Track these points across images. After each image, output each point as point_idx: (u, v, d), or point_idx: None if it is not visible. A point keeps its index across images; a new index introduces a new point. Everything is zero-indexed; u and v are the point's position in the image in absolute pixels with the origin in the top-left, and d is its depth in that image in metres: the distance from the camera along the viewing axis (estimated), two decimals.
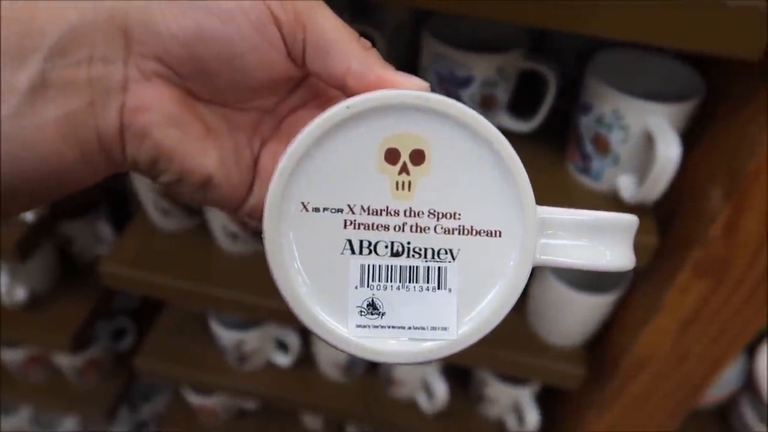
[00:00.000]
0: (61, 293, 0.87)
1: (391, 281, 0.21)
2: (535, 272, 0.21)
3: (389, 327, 0.21)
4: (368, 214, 0.20)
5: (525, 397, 0.75)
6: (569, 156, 0.54)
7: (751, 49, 0.36)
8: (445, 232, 0.21)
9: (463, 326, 0.21)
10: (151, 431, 1.12)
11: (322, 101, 0.23)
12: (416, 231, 0.20)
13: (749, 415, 0.74)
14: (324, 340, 0.21)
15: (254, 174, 0.23)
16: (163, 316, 0.86)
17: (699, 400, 0.60)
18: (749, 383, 0.74)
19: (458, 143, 0.20)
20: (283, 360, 0.80)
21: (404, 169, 0.20)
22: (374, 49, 0.21)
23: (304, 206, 0.20)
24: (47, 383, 0.98)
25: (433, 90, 0.20)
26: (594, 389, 0.63)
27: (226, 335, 0.75)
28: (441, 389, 0.74)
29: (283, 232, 0.20)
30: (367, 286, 0.21)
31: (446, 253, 0.21)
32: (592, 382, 0.63)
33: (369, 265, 0.21)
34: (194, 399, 0.89)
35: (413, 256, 0.21)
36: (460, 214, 0.20)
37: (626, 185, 0.50)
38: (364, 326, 0.21)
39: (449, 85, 0.51)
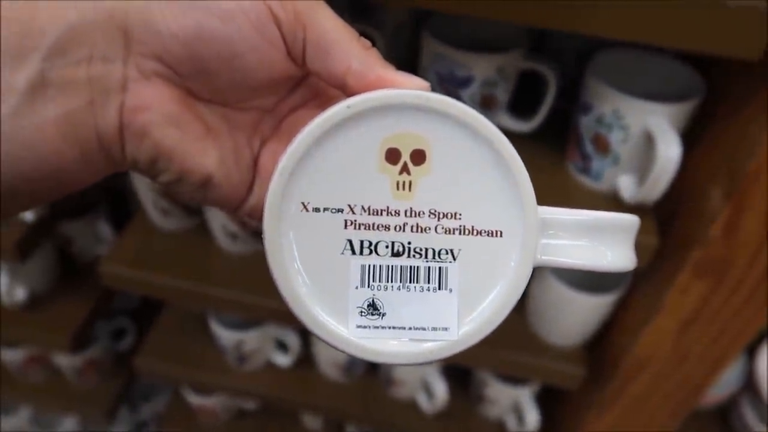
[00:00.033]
0: (61, 293, 0.87)
1: (391, 281, 0.21)
2: (535, 272, 0.21)
3: (390, 327, 0.21)
4: (369, 214, 0.20)
5: (525, 397, 0.75)
6: (569, 156, 0.54)
7: (751, 49, 0.36)
8: (445, 232, 0.20)
9: (463, 327, 0.21)
10: (151, 431, 1.12)
11: (323, 101, 0.23)
12: (417, 231, 0.20)
13: (749, 415, 0.74)
14: (324, 341, 0.21)
15: (254, 174, 0.22)
16: (163, 316, 0.86)
17: (699, 400, 0.60)
18: (749, 384, 0.74)
19: (459, 143, 0.20)
20: (283, 360, 0.80)
21: (405, 169, 0.20)
22: (374, 49, 0.21)
23: (305, 206, 0.20)
24: (47, 383, 0.97)
25: (433, 90, 0.20)
26: (594, 389, 0.63)
27: (225, 335, 0.75)
28: (441, 389, 0.74)
29: (283, 232, 0.20)
30: (368, 287, 0.21)
31: (447, 253, 0.21)
32: (592, 382, 0.63)
33: (369, 266, 0.20)
34: (194, 399, 0.89)
35: (414, 256, 0.21)
36: (460, 214, 0.20)
37: (626, 185, 0.50)
38: (365, 327, 0.21)
39: (449, 85, 0.51)
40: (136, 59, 0.19)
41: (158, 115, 0.19)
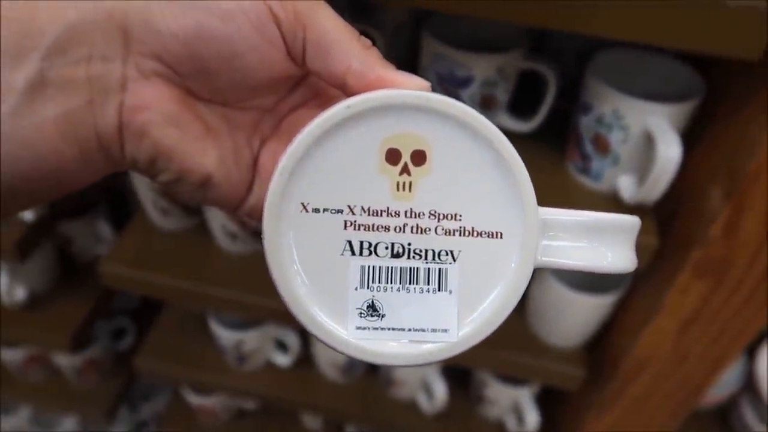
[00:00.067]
0: (61, 293, 0.87)
1: (391, 283, 0.21)
2: (535, 273, 0.21)
3: (389, 329, 0.21)
4: (368, 214, 0.20)
5: (525, 398, 0.75)
6: (569, 156, 0.54)
7: (751, 49, 0.36)
8: (445, 234, 0.20)
9: (463, 328, 0.21)
10: (150, 431, 1.12)
11: (322, 100, 0.23)
12: (417, 232, 0.20)
13: (749, 415, 0.74)
14: (323, 342, 0.21)
15: (254, 173, 0.22)
16: (163, 316, 0.86)
17: (699, 400, 0.60)
18: (749, 384, 0.74)
19: (459, 143, 0.20)
20: (282, 360, 0.80)
21: (405, 170, 0.20)
22: (375, 48, 0.21)
23: (304, 206, 0.20)
24: (47, 383, 0.97)
25: (433, 90, 0.20)
26: (594, 390, 0.63)
27: (225, 335, 0.75)
28: (441, 390, 0.74)
29: (282, 232, 0.20)
30: (367, 288, 0.20)
31: (447, 254, 0.21)
32: (591, 383, 0.63)
33: (369, 267, 0.20)
34: (194, 399, 0.89)
35: (414, 257, 0.20)
36: (460, 215, 0.20)
37: (626, 185, 0.50)
38: (364, 328, 0.21)
39: (449, 85, 0.51)
40: (136, 59, 0.19)
41: (158, 115, 0.19)
